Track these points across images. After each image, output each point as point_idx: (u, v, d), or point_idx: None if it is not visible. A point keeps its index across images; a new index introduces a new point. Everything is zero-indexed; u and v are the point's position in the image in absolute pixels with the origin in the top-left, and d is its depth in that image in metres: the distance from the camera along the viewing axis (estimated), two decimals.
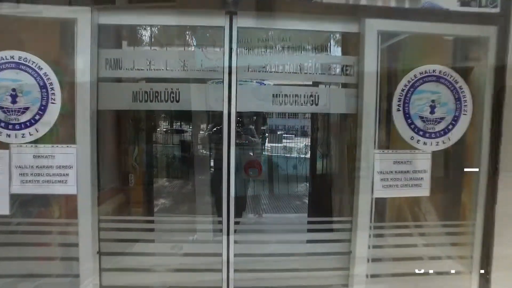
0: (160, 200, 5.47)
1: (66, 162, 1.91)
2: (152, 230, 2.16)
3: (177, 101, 1.98)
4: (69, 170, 1.91)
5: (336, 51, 2.29)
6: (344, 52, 2.29)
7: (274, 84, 2.18)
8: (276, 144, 9.27)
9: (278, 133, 10.97)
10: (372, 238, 2.04)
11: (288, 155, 8.37)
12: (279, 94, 2.02)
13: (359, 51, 2.02)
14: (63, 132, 1.94)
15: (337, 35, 2.26)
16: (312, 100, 2.04)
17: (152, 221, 2.37)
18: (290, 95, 2.03)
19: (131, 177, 3.23)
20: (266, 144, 9.24)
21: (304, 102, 2.04)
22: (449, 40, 2.24)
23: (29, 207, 2.04)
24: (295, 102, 2.03)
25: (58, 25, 1.98)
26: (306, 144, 8.71)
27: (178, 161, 7.82)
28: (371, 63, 1.99)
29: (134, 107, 2.01)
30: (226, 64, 1.95)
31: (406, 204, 2.25)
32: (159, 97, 1.97)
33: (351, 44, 2.14)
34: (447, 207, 2.25)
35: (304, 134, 10.51)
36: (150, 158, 3.43)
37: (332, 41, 2.25)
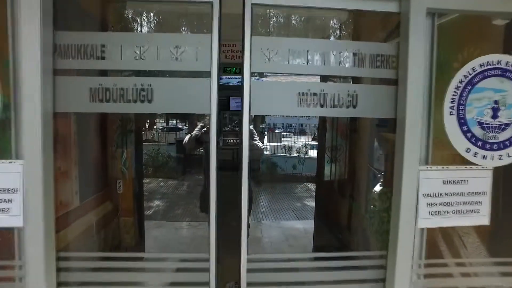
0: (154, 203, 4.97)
1: (8, 184, 1.35)
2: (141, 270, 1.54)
3: (149, 101, 1.40)
4: (12, 194, 1.36)
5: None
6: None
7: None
8: (275, 143, 8.78)
9: (277, 131, 10.48)
10: (416, 281, 1.52)
11: (288, 155, 7.88)
12: (307, 93, 1.46)
13: (401, 37, 1.49)
14: None
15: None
16: (349, 101, 1.48)
17: (140, 258, 1.61)
18: (320, 94, 1.46)
19: (120, 183, 2.76)
20: (265, 143, 8.76)
21: (339, 104, 1.48)
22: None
23: None
24: (328, 104, 1.48)
25: None
26: (307, 143, 8.24)
27: (172, 163, 7.27)
28: (417, 52, 1.45)
29: (92, 109, 1.42)
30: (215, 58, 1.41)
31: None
32: (125, 96, 1.39)
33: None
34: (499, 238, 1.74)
35: (302, 133, 10.04)
36: (140, 162, 2.94)
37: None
